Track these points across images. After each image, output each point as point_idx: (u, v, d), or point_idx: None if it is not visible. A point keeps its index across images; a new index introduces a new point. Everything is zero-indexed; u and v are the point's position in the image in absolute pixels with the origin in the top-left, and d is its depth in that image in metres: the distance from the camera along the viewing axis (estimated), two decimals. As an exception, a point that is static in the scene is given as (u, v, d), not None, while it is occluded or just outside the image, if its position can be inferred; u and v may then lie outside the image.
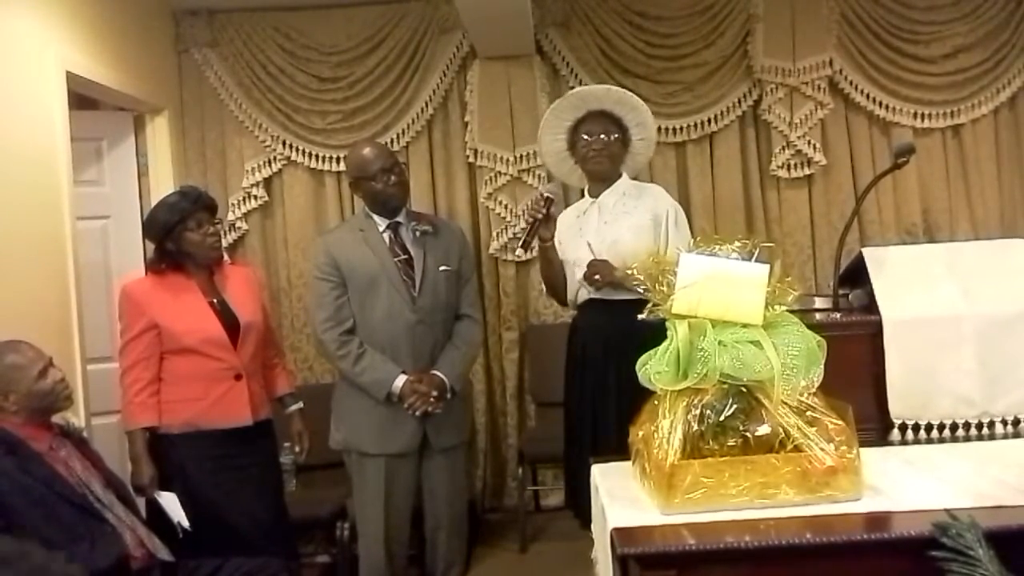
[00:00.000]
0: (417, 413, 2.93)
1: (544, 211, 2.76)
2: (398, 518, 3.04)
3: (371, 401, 2.96)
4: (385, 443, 2.97)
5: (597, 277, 2.79)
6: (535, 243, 2.86)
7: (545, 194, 2.80)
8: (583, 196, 3.08)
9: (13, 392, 2.34)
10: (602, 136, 2.90)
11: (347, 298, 2.98)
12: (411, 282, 2.97)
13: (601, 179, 2.95)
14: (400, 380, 2.92)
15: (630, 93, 2.99)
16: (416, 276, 2.98)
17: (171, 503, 2.70)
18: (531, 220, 2.78)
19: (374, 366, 2.94)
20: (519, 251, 2.85)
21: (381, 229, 3.03)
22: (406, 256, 3.00)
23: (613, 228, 2.86)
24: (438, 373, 2.97)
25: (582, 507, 2.75)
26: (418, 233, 3.02)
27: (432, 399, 2.92)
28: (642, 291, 2.12)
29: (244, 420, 2.82)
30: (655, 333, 1.87)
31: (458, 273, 3.08)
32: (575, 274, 2.91)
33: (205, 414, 2.78)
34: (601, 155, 2.90)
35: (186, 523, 2.68)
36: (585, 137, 2.92)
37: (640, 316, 1.93)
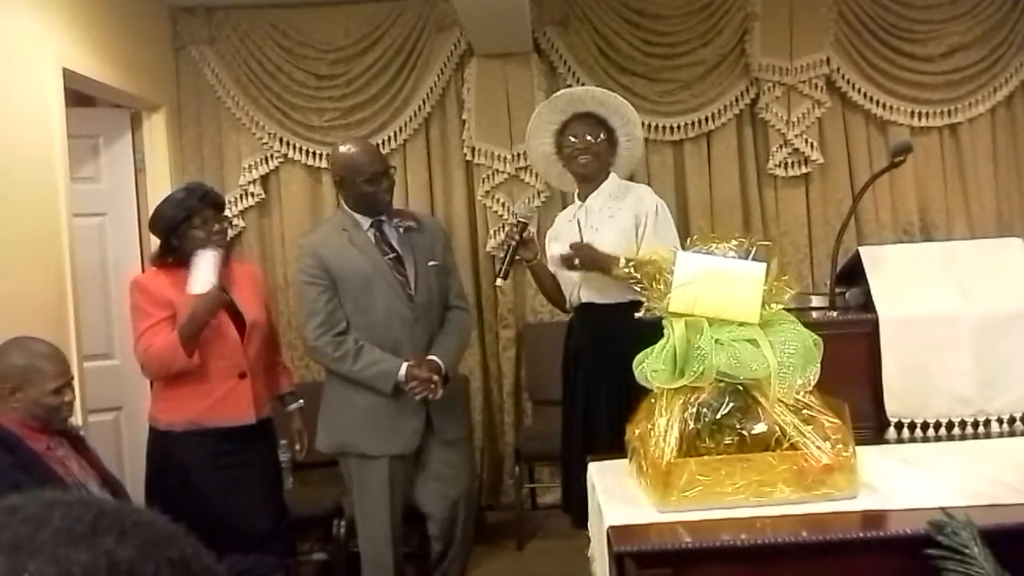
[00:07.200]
0: (418, 398, 2.91)
1: (519, 236, 2.81)
2: (398, 517, 3.02)
3: (369, 401, 2.91)
4: (388, 444, 2.94)
5: (577, 262, 2.78)
6: (515, 267, 2.86)
7: (519, 219, 2.85)
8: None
9: (22, 392, 2.31)
10: (587, 137, 2.90)
11: (338, 300, 2.94)
12: (405, 280, 2.95)
13: (587, 180, 2.96)
14: (404, 368, 2.90)
15: (613, 94, 3.01)
16: (409, 274, 2.96)
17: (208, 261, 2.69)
18: (507, 248, 2.81)
19: (376, 360, 2.91)
20: (499, 281, 2.88)
21: (365, 228, 2.98)
22: (394, 254, 2.98)
23: (599, 235, 2.86)
24: (434, 358, 2.94)
25: (574, 506, 2.77)
26: (402, 230, 2.99)
27: (432, 384, 2.91)
28: (638, 289, 2.13)
29: (247, 419, 2.81)
30: (647, 336, 1.87)
31: (444, 267, 3.07)
32: (566, 276, 2.92)
33: (209, 413, 2.76)
34: (586, 155, 2.90)
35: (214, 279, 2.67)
36: (571, 139, 2.93)
37: (637, 315, 1.93)
